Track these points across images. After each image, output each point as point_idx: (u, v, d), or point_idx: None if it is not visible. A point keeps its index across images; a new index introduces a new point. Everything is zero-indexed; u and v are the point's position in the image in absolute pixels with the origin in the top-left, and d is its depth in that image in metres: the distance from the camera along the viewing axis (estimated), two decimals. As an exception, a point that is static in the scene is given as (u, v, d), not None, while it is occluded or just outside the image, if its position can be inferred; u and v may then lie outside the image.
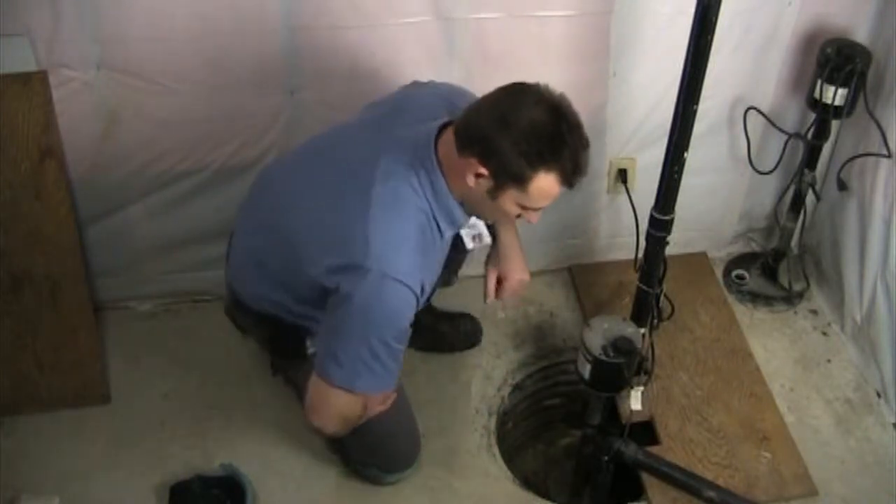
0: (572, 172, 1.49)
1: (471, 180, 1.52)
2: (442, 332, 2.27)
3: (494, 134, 1.46)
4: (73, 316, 2.12)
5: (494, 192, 1.52)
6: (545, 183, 1.49)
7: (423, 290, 1.59)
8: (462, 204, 1.62)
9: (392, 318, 1.56)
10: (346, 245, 1.55)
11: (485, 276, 1.92)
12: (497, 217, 1.65)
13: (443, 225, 1.63)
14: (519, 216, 1.61)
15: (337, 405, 1.63)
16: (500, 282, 1.91)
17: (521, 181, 1.48)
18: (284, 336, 1.82)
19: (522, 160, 1.46)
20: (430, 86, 1.84)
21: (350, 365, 1.57)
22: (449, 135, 1.56)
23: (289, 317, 1.77)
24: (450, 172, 1.57)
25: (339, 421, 1.67)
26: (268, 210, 1.77)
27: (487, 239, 1.87)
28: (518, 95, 1.49)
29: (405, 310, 1.57)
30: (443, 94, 1.77)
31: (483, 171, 1.49)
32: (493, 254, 1.91)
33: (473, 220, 1.80)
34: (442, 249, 1.71)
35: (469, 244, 1.84)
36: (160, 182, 2.14)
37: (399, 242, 1.54)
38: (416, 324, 1.84)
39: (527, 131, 1.45)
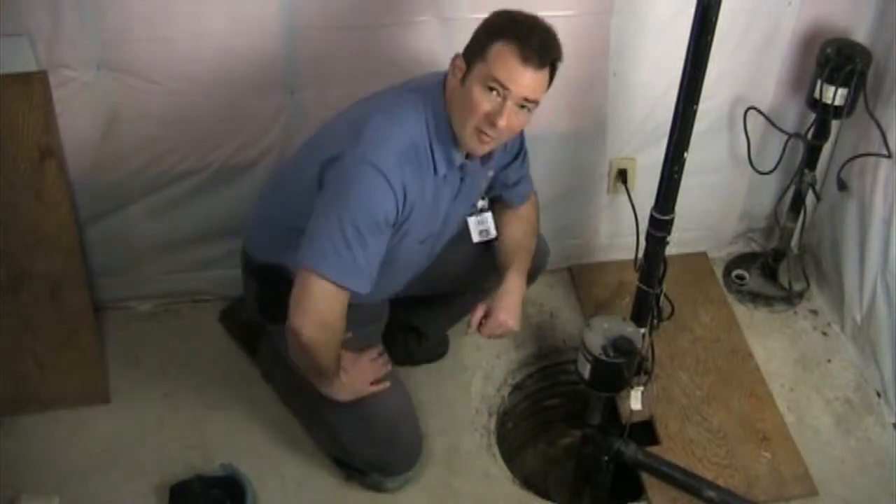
0: (527, 45, 1.58)
1: (451, 73, 1.66)
2: (405, 345, 2.27)
3: (478, 31, 1.65)
4: (73, 316, 2.12)
5: (466, 76, 1.63)
6: (503, 49, 1.59)
7: (405, 195, 1.66)
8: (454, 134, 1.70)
9: (364, 202, 1.62)
10: (343, 138, 1.68)
11: (475, 307, 1.95)
12: (468, 114, 1.64)
13: (438, 155, 1.71)
14: (489, 117, 1.62)
15: (312, 295, 1.66)
16: (487, 317, 1.93)
17: (483, 50, 1.60)
18: (281, 289, 1.80)
19: (486, 34, 1.62)
20: None
21: (319, 244, 1.64)
22: None
23: (290, 256, 1.77)
24: (447, 96, 1.69)
25: (316, 320, 1.67)
26: (286, 168, 1.91)
27: (493, 233, 1.96)
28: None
29: (379, 198, 1.63)
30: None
31: (460, 59, 1.65)
32: (493, 292, 1.95)
33: (484, 216, 1.93)
34: (435, 189, 1.75)
35: (476, 237, 1.95)
36: (160, 182, 2.14)
37: (387, 139, 1.65)
38: (389, 336, 2.02)
39: (501, 20, 1.62)
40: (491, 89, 1.60)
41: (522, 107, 1.62)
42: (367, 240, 1.64)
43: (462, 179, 1.80)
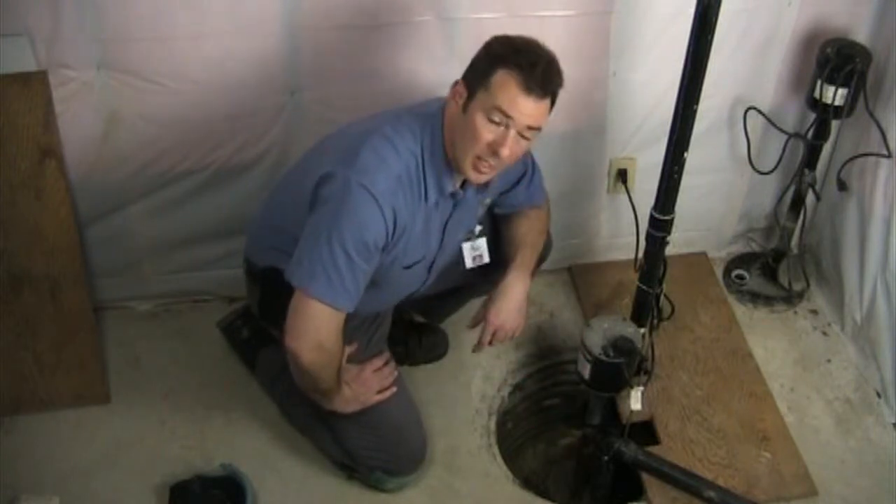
0: (530, 75, 1.57)
1: (452, 100, 1.66)
2: (405, 343, 2.27)
3: (479, 58, 1.64)
4: (73, 316, 2.12)
5: (467, 103, 1.63)
6: (506, 79, 1.58)
7: (395, 221, 1.66)
8: (450, 161, 1.70)
9: (354, 225, 1.63)
10: (340, 156, 1.68)
11: (483, 325, 1.96)
12: (470, 143, 1.64)
13: (430, 182, 1.71)
14: (491, 147, 1.62)
15: (307, 317, 1.68)
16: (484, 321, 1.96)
17: (485, 79, 1.59)
18: (282, 293, 1.80)
19: (488, 61, 1.60)
20: None
21: (310, 265, 1.66)
22: None
23: (287, 261, 1.80)
24: (446, 123, 1.69)
25: (312, 342, 1.69)
26: (290, 173, 1.92)
27: (487, 258, 1.96)
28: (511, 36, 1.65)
29: (369, 222, 1.64)
30: None
31: (461, 86, 1.64)
32: (493, 294, 1.94)
33: (479, 241, 1.93)
34: (426, 216, 1.75)
35: (469, 262, 1.95)
36: (160, 182, 2.14)
37: (382, 165, 1.65)
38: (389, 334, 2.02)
39: (503, 48, 1.61)
40: (493, 119, 1.60)
41: (524, 135, 1.63)
42: (355, 263, 1.65)
43: (455, 206, 1.80)
